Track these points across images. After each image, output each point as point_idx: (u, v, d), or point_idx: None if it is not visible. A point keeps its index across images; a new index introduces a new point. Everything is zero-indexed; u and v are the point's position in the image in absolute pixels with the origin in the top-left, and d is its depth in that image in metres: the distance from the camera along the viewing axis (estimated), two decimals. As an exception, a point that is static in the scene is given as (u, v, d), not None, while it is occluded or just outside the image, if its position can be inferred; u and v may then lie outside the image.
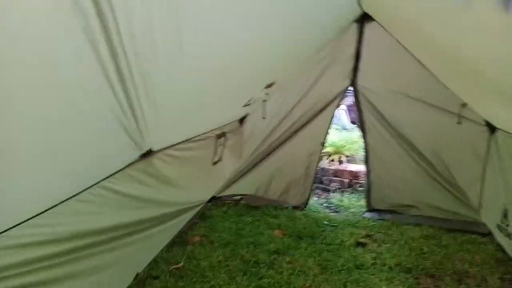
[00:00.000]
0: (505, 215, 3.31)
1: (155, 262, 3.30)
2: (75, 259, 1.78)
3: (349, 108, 8.41)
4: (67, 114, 1.33)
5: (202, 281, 3.06)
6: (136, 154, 2.23)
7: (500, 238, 3.53)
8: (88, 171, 1.80)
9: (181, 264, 3.32)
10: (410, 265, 3.34)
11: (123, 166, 2.13)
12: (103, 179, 1.95)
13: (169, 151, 2.75)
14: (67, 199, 1.68)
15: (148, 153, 2.37)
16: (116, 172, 2.07)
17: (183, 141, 2.94)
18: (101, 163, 1.88)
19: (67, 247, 1.69)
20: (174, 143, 2.80)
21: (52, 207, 1.59)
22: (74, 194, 1.72)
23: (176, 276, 3.13)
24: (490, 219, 3.77)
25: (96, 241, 1.95)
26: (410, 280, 3.13)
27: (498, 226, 3.50)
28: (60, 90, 1.22)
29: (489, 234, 3.84)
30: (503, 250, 3.49)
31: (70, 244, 1.72)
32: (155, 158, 2.53)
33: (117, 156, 2.04)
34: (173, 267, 3.27)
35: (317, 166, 4.71)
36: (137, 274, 2.86)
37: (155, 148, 2.43)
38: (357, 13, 3.26)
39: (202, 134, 3.25)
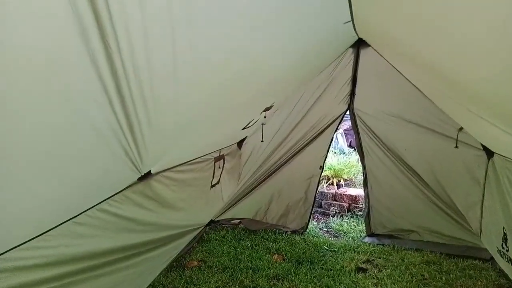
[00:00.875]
0: (505, 240, 3.28)
1: (152, 287, 3.24)
2: (72, 283, 1.74)
3: (347, 132, 8.47)
4: (64, 135, 1.33)
5: (199, 308, 3.00)
6: (135, 177, 2.23)
7: (501, 263, 3.48)
8: (86, 194, 1.79)
9: (179, 289, 3.26)
10: (411, 291, 3.28)
11: (121, 189, 2.12)
12: (101, 202, 1.94)
13: (168, 174, 2.75)
14: (64, 221, 1.66)
15: (147, 176, 2.37)
16: (114, 195, 2.07)
17: (181, 164, 2.94)
18: (99, 186, 1.87)
19: (63, 270, 1.67)
20: (173, 165, 2.80)
21: (49, 230, 1.57)
22: (72, 216, 1.71)
23: (173, 302, 3.08)
24: (490, 244, 3.73)
25: (93, 265, 1.92)
26: (412, 306, 3.07)
27: (499, 251, 3.46)
28: (59, 112, 1.23)
29: (490, 259, 3.79)
30: (505, 276, 3.44)
31: (67, 268, 1.69)
32: (153, 181, 2.52)
33: (116, 179, 2.03)
34: (170, 292, 3.21)
35: (316, 190, 4.70)
36: (134, 300, 2.81)
37: (154, 171, 2.43)
38: (352, 38, 3.33)
39: (201, 156, 3.26)
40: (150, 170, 2.37)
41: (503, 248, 3.34)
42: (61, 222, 1.65)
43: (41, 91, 1.11)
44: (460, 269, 3.70)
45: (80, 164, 1.55)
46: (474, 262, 3.84)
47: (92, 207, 1.88)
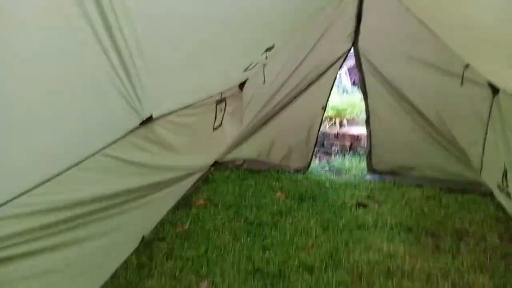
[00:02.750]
0: (505, 176, 3.34)
1: (161, 224, 3.39)
2: (80, 226, 1.82)
3: (350, 70, 8.29)
4: (66, 83, 1.32)
5: (207, 242, 3.15)
6: (136, 122, 2.23)
7: (500, 197, 3.56)
8: (89, 140, 1.81)
9: (187, 226, 3.41)
10: (410, 225, 3.41)
11: (124, 134, 2.14)
12: (105, 147, 1.96)
13: (170, 118, 2.75)
14: (70, 167, 1.70)
15: (149, 120, 2.37)
16: (117, 140, 2.09)
17: (183, 108, 2.93)
18: (102, 132, 1.89)
19: (71, 214, 1.73)
20: (175, 109, 2.80)
21: (55, 176, 1.61)
22: (77, 162, 1.74)
23: (182, 238, 3.23)
24: (490, 179, 3.80)
25: (100, 208, 1.99)
26: (411, 239, 3.20)
27: (498, 186, 3.53)
28: (57, 59, 1.21)
29: (489, 194, 3.88)
30: (503, 210, 3.55)
31: (74, 211, 1.75)
32: (156, 125, 2.54)
33: (118, 124, 2.04)
34: (179, 229, 3.36)
35: (318, 130, 4.71)
36: (143, 237, 2.95)
37: (155, 115, 2.43)
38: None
39: (202, 100, 3.24)
40: (151, 115, 2.37)
41: (503, 183, 3.40)
42: (67, 168, 1.68)
43: (38, 42, 1.08)
44: (459, 203, 3.81)
45: (79, 112, 1.55)
46: (473, 196, 3.94)
47: (96, 152, 1.91)
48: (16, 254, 1.43)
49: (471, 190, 4.06)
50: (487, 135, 3.83)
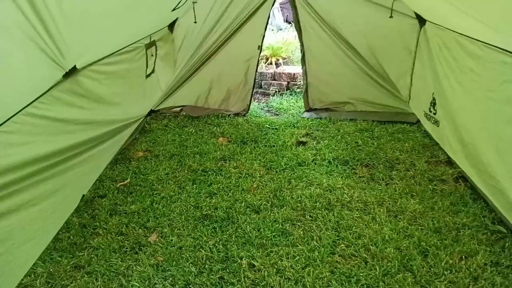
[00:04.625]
0: (433, 104, 3.58)
1: (100, 181, 3.25)
2: (12, 193, 1.67)
3: (282, 6, 8.13)
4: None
5: (152, 194, 3.10)
6: (58, 75, 2.02)
7: (427, 125, 3.86)
8: (8, 100, 1.61)
9: (128, 180, 3.30)
10: (347, 158, 3.59)
11: (46, 89, 1.93)
12: (26, 106, 1.76)
13: (96, 67, 2.53)
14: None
15: (73, 72, 2.16)
16: (40, 97, 1.88)
17: (109, 55, 2.69)
18: (21, 90, 1.68)
19: (2, 181, 1.57)
20: (100, 57, 2.56)
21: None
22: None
23: (125, 192, 3.14)
24: (418, 108, 4.08)
25: (32, 172, 1.83)
26: (348, 171, 3.40)
27: (426, 115, 3.80)
28: None
29: (417, 122, 4.19)
30: (429, 136, 3.86)
31: (6, 179, 1.59)
32: (81, 76, 2.32)
33: (39, 80, 1.83)
34: (120, 184, 3.25)
35: (256, 71, 4.65)
36: (83, 196, 2.82)
37: (79, 66, 2.21)
38: None
39: (130, 45, 3.00)
40: (75, 66, 2.15)
41: (430, 111, 3.66)
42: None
43: None
44: (389, 134, 4.06)
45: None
46: (402, 126, 4.22)
47: (17, 113, 1.71)
48: None
49: (400, 119, 4.34)
50: (414, 66, 4.05)
